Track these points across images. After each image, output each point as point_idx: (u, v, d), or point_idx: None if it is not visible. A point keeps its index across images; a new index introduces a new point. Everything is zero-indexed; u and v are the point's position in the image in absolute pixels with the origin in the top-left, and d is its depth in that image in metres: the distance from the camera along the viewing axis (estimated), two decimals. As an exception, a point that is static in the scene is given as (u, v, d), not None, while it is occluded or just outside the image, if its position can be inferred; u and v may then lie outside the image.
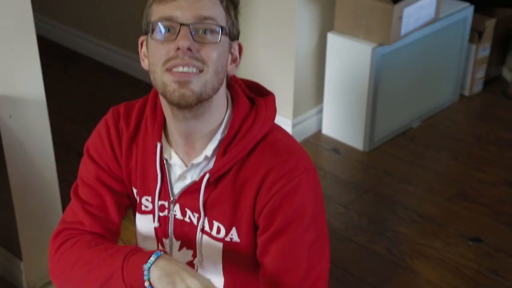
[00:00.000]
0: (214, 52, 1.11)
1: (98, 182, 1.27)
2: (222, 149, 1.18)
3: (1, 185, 1.96)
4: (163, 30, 1.11)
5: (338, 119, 2.93)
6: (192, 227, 1.24)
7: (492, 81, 3.38)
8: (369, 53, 2.71)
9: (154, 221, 1.27)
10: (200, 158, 1.19)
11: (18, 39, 1.81)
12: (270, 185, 1.16)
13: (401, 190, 2.65)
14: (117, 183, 1.28)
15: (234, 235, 1.21)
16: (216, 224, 1.21)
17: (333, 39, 2.81)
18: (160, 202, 1.26)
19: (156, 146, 1.22)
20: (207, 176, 1.18)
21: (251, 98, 1.24)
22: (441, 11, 2.90)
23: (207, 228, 1.23)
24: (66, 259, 1.23)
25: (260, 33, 2.77)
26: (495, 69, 3.41)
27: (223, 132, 1.19)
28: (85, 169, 1.29)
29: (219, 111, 1.19)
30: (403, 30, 2.72)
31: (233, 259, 1.24)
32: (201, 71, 1.11)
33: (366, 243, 2.38)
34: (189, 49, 1.09)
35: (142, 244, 1.34)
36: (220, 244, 1.22)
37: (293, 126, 2.87)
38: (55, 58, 3.57)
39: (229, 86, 1.23)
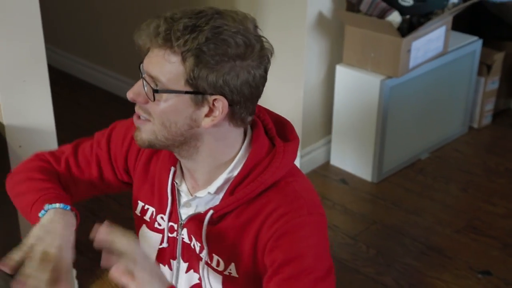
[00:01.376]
0: (154, 107, 1.12)
1: (96, 157, 1.33)
2: (231, 189, 1.17)
3: (10, 214, 1.96)
4: (141, 75, 1.16)
5: (347, 150, 2.92)
6: (196, 253, 1.24)
7: (501, 114, 3.37)
8: (377, 85, 2.71)
9: (163, 241, 1.28)
10: (203, 194, 1.20)
11: (29, 70, 1.83)
12: (272, 223, 1.14)
13: (410, 222, 2.63)
14: (110, 172, 1.34)
15: (232, 270, 1.20)
16: (215, 257, 1.21)
17: (341, 71, 2.81)
18: (170, 223, 1.26)
19: (170, 170, 1.24)
20: (210, 212, 1.18)
21: (273, 139, 1.21)
22: (450, 45, 2.91)
23: (208, 259, 1.22)
24: (18, 174, 1.34)
25: (269, 64, 2.77)
26: (504, 102, 3.39)
27: (232, 170, 1.18)
28: (100, 136, 1.35)
29: (220, 151, 1.17)
30: (412, 63, 2.73)
31: None
32: (149, 120, 1.15)
33: (374, 274, 2.35)
34: (133, 99, 1.15)
35: None
36: (220, 277, 1.22)
37: (302, 156, 2.87)
38: (65, 88, 3.60)
39: (253, 123, 1.21)
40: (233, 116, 1.13)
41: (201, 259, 1.23)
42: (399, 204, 2.73)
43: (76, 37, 3.75)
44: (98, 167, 1.33)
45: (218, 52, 1.06)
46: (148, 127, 1.14)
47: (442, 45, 2.86)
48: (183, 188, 1.24)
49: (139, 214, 1.32)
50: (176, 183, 1.24)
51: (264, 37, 1.14)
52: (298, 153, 2.84)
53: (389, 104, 2.76)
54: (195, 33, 1.06)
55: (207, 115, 1.12)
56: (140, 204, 1.31)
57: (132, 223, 1.35)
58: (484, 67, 3.16)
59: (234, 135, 1.18)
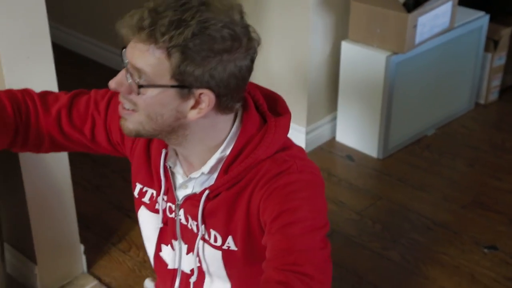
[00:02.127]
0: (139, 100, 1.11)
1: (92, 118, 1.30)
2: (224, 168, 1.17)
3: (16, 191, 1.97)
4: (123, 62, 1.14)
5: (352, 127, 2.91)
6: (193, 234, 1.24)
7: (508, 90, 3.34)
8: (383, 62, 2.69)
9: (162, 221, 1.27)
10: (197, 174, 1.20)
11: (33, 47, 1.81)
12: (262, 186, 1.13)
13: (416, 198, 2.62)
14: (103, 138, 1.31)
15: (231, 244, 1.20)
16: (213, 232, 1.21)
17: (347, 48, 2.79)
18: (168, 204, 1.26)
19: (161, 153, 1.24)
20: (207, 192, 1.18)
21: (265, 115, 1.20)
22: (456, 20, 2.88)
23: (206, 236, 1.22)
24: None
25: (275, 42, 2.76)
26: (511, 78, 3.37)
27: (224, 150, 1.17)
28: (98, 97, 1.31)
29: (210, 136, 1.16)
30: (418, 39, 2.70)
31: (234, 266, 1.23)
32: (135, 111, 1.13)
33: (380, 249, 2.34)
34: (115, 89, 1.12)
35: (147, 245, 1.35)
36: (219, 252, 1.21)
37: (307, 133, 2.86)
38: (71, 66, 3.59)
39: (243, 100, 1.20)
40: (220, 106, 1.12)
41: (195, 238, 1.22)
42: (405, 180, 2.72)
43: (81, 15, 3.73)
44: (91, 129, 1.30)
45: (204, 48, 1.04)
46: (135, 118, 1.13)
47: (449, 20, 2.82)
48: (179, 170, 1.24)
49: (137, 196, 1.31)
50: (170, 165, 1.23)
51: (251, 26, 1.12)
52: (304, 130, 2.85)
53: (395, 80, 2.74)
54: (181, 28, 1.04)
55: (193, 107, 1.11)
56: (138, 186, 1.30)
57: (136, 198, 1.35)
58: (491, 43, 3.13)
59: (223, 120, 1.17)
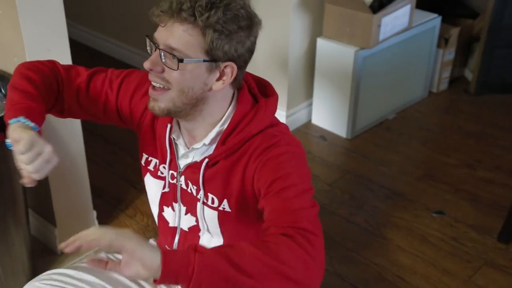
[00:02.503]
0: (175, 75, 1.10)
1: (106, 95, 1.27)
2: (222, 139, 1.17)
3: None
4: (148, 47, 1.13)
5: (325, 111, 2.91)
6: (192, 197, 1.24)
7: (456, 80, 3.36)
8: (352, 56, 2.69)
9: (165, 186, 1.28)
10: (199, 145, 1.20)
11: (53, 40, 1.80)
12: (255, 157, 1.14)
13: (378, 171, 2.64)
14: (113, 112, 1.28)
15: (225, 206, 1.20)
16: (210, 196, 1.21)
17: (321, 43, 2.78)
18: (171, 172, 1.26)
19: (167, 127, 1.24)
20: (206, 160, 1.18)
21: (256, 96, 1.22)
22: (414, 21, 2.88)
23: (204, 199, 1.22)
24: (26, 66, 1.24)
25: (260, 38, 2.73)
26: (459, 70, 3.38)
27: (222, 124, 1.18)
28: (114, 76, 1.29)
29: (216, 111, 1.17)
30: (381, 36, 2.70)
31: (227, 225, 1.23)
32: (167, 89, 1.12)
33: (347, 215, 2.37)
34: (150, 69, 1.11)
35: (152, 206, 1.36)
36: (215, 212, 1.22)
37: (287, 117, 2.86)
38: (84, 58, 3.54)
39: None
40: (235, 78, 1.14)
41: (198, 200, 1.23)
42: (369, 157, 2.74)
43: (94, 14, 3.68)
44: (104, 105, 1.29)
45: (232, 25, 1.07)
46: (167, 96, 1.12)
47: (407, 21, 2.82)
48: (181, 142, 1.24)
49: (143, 164, 1.32)
50: (173, 138, 1.24)
51: (253, 10, 1.14)
52: (284, 113, 2.84)
53: (362, 72, 2.74)
54: (213, 9, 1.06)
55: (218, 79, 1.12)
56: (145, 156, 1.31)
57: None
58: (443, 40, 3.14)
59: (230, 95, 1.18)
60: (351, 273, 2.08)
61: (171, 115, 1.17)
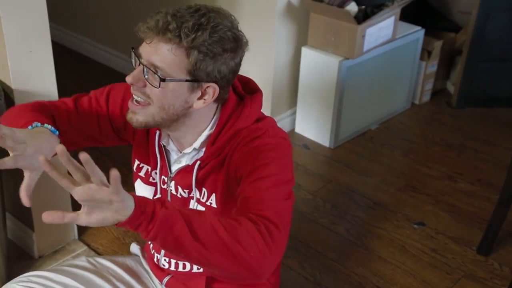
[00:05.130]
0: (156, 92, 1.10)
1: (96, 113, 1.28)
2: (211, 141, 1.18)
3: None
4: (132, 59, 1.13)
5: (309, 120, 2.91)
6: (184, 199, 1.25)
7: (438, 93, 3.38)
8: (336, 65, 2.69)
9: (157, 192, 1.28)
10: (190, 150, 1.21)
11: (35, 42, 1.77)
12: (239, 149, 1.16)
13: (360, 181, 2.64)
14: (108, 128, 1.29)
15: (212, 201, 1.21)
16: (203, 190, 1.22)
17: (306, 52, 2.78)
18: (162, 177, 1.27)
19: (156, 133, 1.25)
20: (198, 162, 1.20)
21: (241, 94, 1.23)
22: (398, 33, 2.90)
23: (197, 195, 1.23)
24: (14, 108, 1.26)
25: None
26: (441, 83, 3.41)
27: (211, 128, 1.19)
28: (97, 95, 1.30)
29: (201, 121, 1.18)
30: (365, 47, 2.71)
31: None
32: (147, 104, 1.12)
33: (329, 225, 2.36)
34: (132, 83, 1.11)
35: None
36: (203, 208, 1.23)
37: (271, 125, 2.85)
38: (68, 62, 3.51)
39: None
40: (218, 97, 1.15)
41: (191, 198, 1.23)
42: (352, 167, 2.74)
43: (79, 17, 3.64)
44: (98, 122, 1.29)
45: (217, 48, 1.08)
46: (147, 111, 1.12)
47: (391, 32, 2.84)
48: (172, 147, 1.24)
49: (135, 170, 1.33)
50: (163, 144, 1.24)
51: (241, 31, 1.15)
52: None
53: (345, 82, 2.75)
54: (200, 31, 1.06)
55: (199, 98, 1.13)
56: (136, 162, 1.32)
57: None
58: (425, 53, 3.16)
59: (214, 107, 1.19)
60: (331, 283, 2.07)
61: (150, 127, 1.18)
